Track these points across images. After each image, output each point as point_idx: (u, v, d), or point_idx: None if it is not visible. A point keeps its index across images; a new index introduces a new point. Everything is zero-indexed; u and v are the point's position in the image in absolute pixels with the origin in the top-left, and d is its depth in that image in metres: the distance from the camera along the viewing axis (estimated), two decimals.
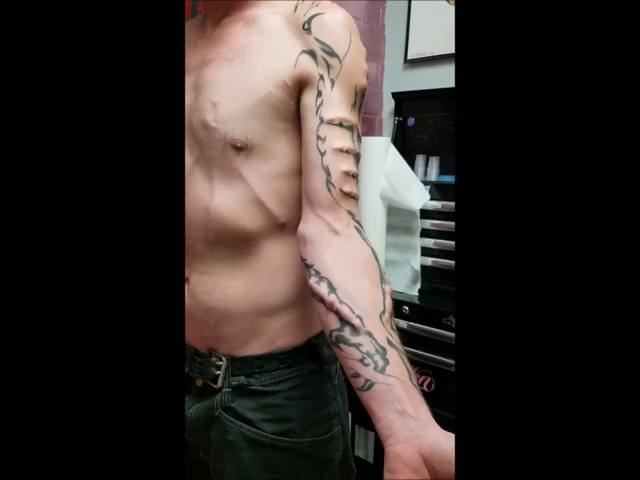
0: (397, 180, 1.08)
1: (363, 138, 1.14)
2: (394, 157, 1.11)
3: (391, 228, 1.19)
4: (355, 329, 0.44)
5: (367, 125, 1.53)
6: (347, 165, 0.49)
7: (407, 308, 1.11)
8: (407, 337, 1.17)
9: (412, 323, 1.11)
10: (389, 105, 1.55)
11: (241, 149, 0.51)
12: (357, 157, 0.51)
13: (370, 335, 0.43)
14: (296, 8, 0.52)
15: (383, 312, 0.44)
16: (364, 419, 1.27)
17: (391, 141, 1.48)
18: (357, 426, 1.23)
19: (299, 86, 0.51)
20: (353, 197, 0.49)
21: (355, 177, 0.50)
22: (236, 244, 0.55)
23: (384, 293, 0.46)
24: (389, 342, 0.43)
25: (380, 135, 1.60)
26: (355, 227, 0.49)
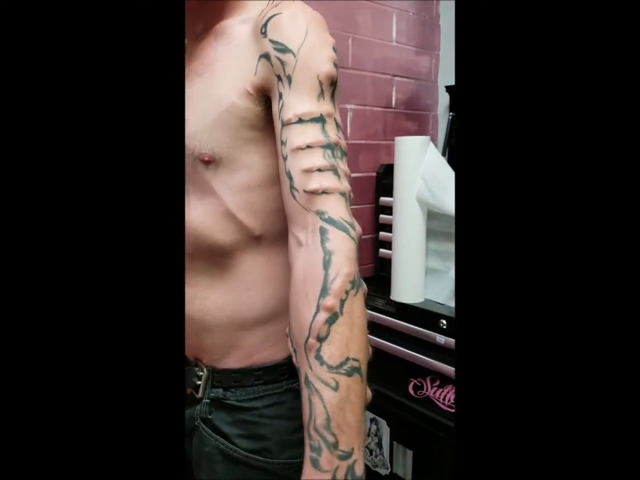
0: (434, 182, 1.00)
1: (400, 139, 1.08)
2: (433, 156, 1.03)
3: (431, 233, 1.10)
4: (295, 366, 0.43)
5: (418, 122, 1.44)
6: (309, 160, 0.44)
7: (444, 322, 1.02)
8: (444, 354, 1.09)
9: (451, 339, 1.02)
10: (445, 99, 1.45)
11: (209, 162, 0.51)
12: (331, 146, 0.45)
13: (299, 372, 0.41)
14: (262, 11, 0.50)
15: (307, 338, 0.40)
16: (403, 435, 1.20)
17: (446, 138, 1.39)
18: (394, 442, 1.17)
19: (262, 92, 0.49)
20: (323, 192, 0.43)
21: (323, 170, 0.44)
22: (212, 257, 0.54)
23: (317, 309, 0.40)
24: (305, 379, 0.39)
25: (435, 131, 1.50)
26: (320, 228, 0.42)
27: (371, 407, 1.30)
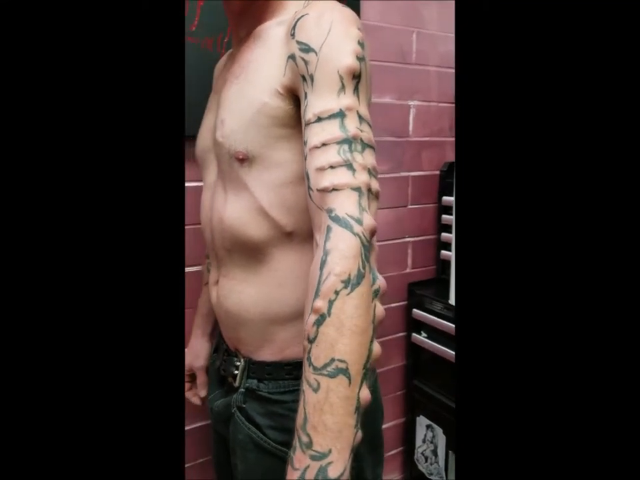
0: None
1: None
2: None
3: None
4: None
5: None
6: (323, 158, 0.44)
7: None
8: None
9: None
10: None
11: (243, 160, 0.53)
12: (348, 141, 0.43)
13: None
14: (295, 13, 0.50)
15: (304, 340, 0.40)
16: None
17: None
18: (450, 452, 1.12)
19: (291, 92, 0.50)
20: (333, 189, 0.42)
21: (335, 166, 0.43)
22: (248, 252, 0.57)
23: (311, 311, 0.40)
24: (302, 380, 0.40)
25: None
26: (327, 227, 0.42)
27: (427, 413, 1.25)
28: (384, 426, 1.27)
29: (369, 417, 0.60)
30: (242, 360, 0.61)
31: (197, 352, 0.81)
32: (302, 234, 0.55)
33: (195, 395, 0.82)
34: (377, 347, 0.40)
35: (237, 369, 0.61)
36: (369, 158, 0.44)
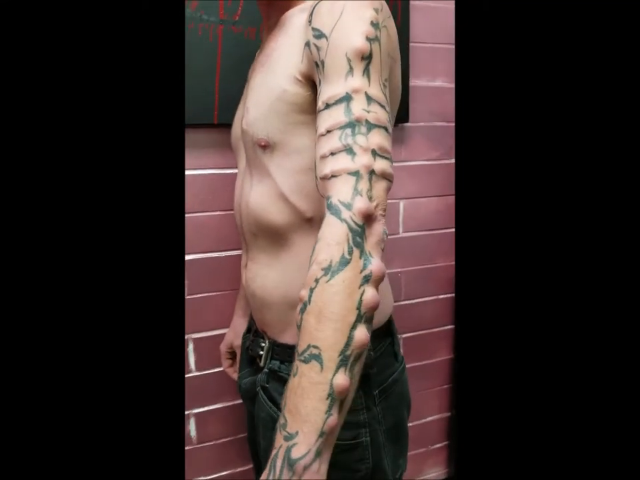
0: None
1: None
2: None
3: None
4: None
5: None
6: (326, 145, 0.43)
7: None
8: None
9: None
10: None
11: (265, 147, 0.54)
12: (352, 124, 0.42)
13: None
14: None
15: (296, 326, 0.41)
16: None
17: None
18: None
19: (309, 79, 0.50)
20: (332, 176, 0.42)
21: (336, 152, 0.42)
22: (271, 236, 0.58)
23: (299, 301, 0.41)
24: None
25: None
26: (325, 215, 0.42)
27: None
28: (428, 419, 1.25)
29: (391, 406, 0.60)
30: (267, 341, 0.63)
31: (237, 331, 0.85)
32: (321, 220, 0.55)
33: (235, 371, 0.87)
34: (360, 334, 0.38)
35: (262, 350, 0.63)
36: (375, 138, 0.42)
